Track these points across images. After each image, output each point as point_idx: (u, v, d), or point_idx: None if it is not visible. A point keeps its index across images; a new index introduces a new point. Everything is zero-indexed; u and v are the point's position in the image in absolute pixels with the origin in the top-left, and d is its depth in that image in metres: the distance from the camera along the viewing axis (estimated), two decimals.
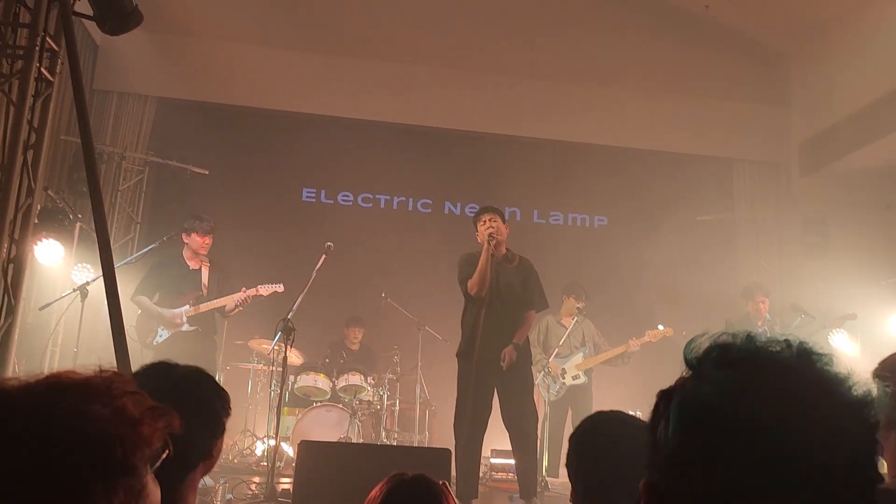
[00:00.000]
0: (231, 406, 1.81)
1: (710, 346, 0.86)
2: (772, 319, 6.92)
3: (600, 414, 2.07)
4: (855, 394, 0.80)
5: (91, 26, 7.20)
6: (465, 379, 5.23)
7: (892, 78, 7.28)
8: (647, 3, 8.13)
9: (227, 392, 1.81)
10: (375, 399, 7.20)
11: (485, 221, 5.47)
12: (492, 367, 5.15)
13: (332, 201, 8.87)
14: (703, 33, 7.67)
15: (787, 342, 0.83)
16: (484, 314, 5.21)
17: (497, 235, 5.38)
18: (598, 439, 1.97)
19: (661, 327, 7.08)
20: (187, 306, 6.18)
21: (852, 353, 6.55)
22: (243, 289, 6.33)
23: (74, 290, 5.56)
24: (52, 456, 0.84)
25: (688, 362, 0.87)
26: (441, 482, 2.08)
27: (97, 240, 3.40)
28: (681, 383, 0.86)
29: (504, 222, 5.54)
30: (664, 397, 0.87)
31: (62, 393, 0.90)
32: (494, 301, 5.27)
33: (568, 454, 2.00)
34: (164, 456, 0.97)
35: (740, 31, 7.69)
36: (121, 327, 3.22)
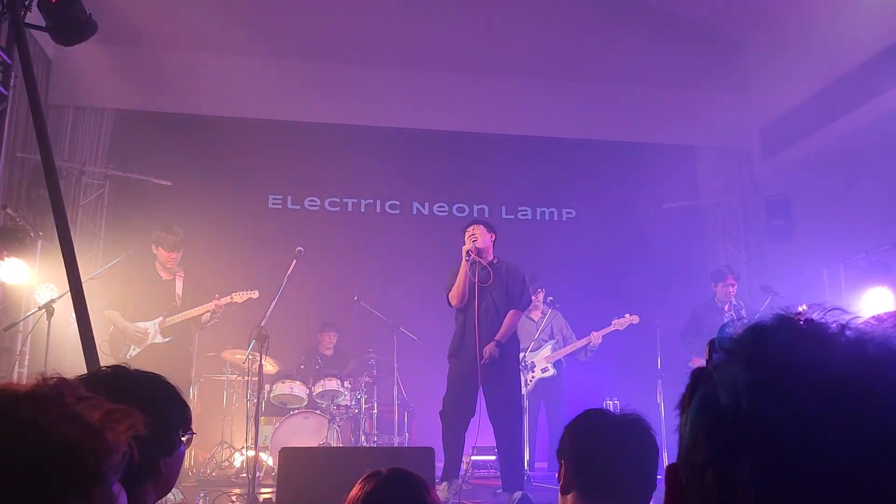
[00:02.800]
0: (191, 424, 1.68)
1: (743, 336, 0.75)
2: (738, 304, 7.00)
3: (600, 410, 2.10)
4: None
5: (43, 40, 7.05)
6: (453, 377, 5.54)
7: (847, 59, 7.42)
8: None
9: (188, 406, 1.68)
10: (353, 403, 7.15)
11: (468, 233, 5.65)
12: (477, 365, 5.38)
13: (298, 207, 8.80)
14: (660, 23, 7.74)
15: (842, 326, 0.72)
16: (471, 318, 5.47)
17: (478, 245, 5.54)
18: (598, 435, 1.98)
19: (627, 315, 7.14)
20: (159, 319, 6.10)
21: None
22: (217, 296, 6.26)
23: (40, 309, 5.44)
24: (19, 476, 0.79)
25: (721, 347, 0.77)
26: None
27: (63, 256, 3.32)
28: (710, 370, 0.77)
29: (490, 230, 5.68)
30: (693, 382, 0.79)
31: (13, 406, 0.84)
32: (481, 305, 5.48)
33: (562, 442, 2.00)
34: (128, 461, 0.92)
35: (696, 19, 7.78)
36: (92, 344, 3.14)
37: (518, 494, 5.24)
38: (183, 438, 1.63)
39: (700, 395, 0.76)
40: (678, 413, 0.80)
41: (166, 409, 1.59)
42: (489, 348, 5.38)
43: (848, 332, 0.71)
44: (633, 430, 1.97)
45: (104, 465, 0.85)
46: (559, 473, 2.02)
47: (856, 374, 0.68)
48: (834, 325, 0.72)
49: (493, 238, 5.69)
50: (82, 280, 3.27)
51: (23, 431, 0.81)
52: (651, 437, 1.96)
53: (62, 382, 0.91)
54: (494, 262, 5.66)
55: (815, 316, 0.74)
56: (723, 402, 0.72)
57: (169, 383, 1.67)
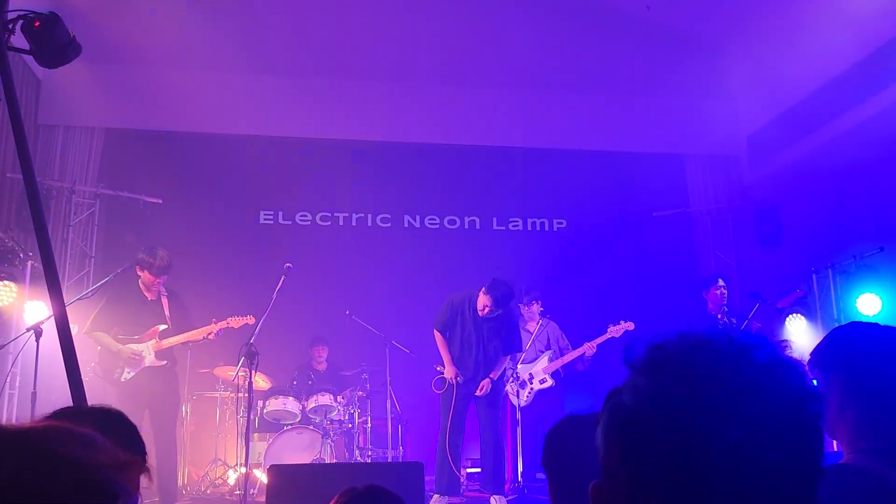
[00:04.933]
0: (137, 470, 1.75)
1: (646, 351, 0.84)
2: (730, 310, 7.02)
3: (574, 416, 2.09)
4: (800, 385, 0.78)
5: (33, 61, 7.07)
6: (446, 398, 6.28)
7: (832, 65, 7.47)
8: (590, 6, 8.23)
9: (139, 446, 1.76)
10: (346, 418, 7.15)
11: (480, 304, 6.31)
12: (470, 390, 6.29)
13: (290, 222, 8.81)
14: (646, 32, 7.78)
15: (728, 336, 0.82)
16: (472, 352, 6.32)
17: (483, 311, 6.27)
18: (574, 439, 1.98)
19: (622, 322, 7.16)
20: (153, 341, 6.04)
21: (809, 338, 6.66)
22: (214, 320, 6.23)
23: (28, 330, 5.43)
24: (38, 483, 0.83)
25: (626, 364, 0.86)
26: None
27: (46, 277, 3.32)
28: (619, 387, 0.86)
29: (486, 294, 6.24)
30: (606, 398, 0.88)
31: (39, 435, 0.89)
32: (482, 343, 6.32)
33: (543, 452, 2.02)
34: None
35: (680, 28, 7.81)
36: (75, 368, 3.14)
37: (497, 499, 5.66)
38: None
39: (610, 404, 0.86)
40: (597, 431, 0.88)
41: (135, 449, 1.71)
42: (485, 383, 6.24)
43: (734, 344, 0.81)
44: None
45: (114, 485, 0.89)
46: (548, 484, 2.03)
47: (741, 378, 0.77)
48: (724, 338, 0.82)
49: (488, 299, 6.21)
50: (70, 302, 3.28)
51: (35, 452, 0.86)
52: None
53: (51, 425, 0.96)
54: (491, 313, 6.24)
55: (707, 332, 0.83)
56: (628, 408, 0.81)
57: (131, 423, 1.78)
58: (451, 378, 6.27)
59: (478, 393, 6.23)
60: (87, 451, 0.89)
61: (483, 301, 6.19)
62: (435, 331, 6.43)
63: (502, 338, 6.37)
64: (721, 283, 7.11)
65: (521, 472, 6.57)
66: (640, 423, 0.78)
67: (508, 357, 6.54)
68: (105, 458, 0.90)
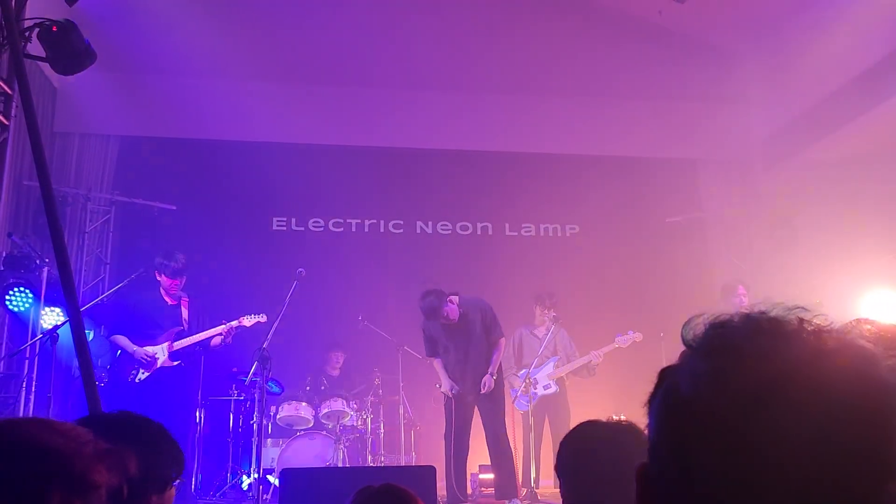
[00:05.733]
0: (182, 466, 1.78)
1: (706, 331, 0.76)
2: None
3: (591, 421, 2.08)
4: (876, 378, 0.69)
5: (49, 69, 7.15)
6: (447, 411, 6.35)
7: (846, 69, 7.43)
8: (602, 12, 8.24)
9: (179, 450, 1.78)
10: (359, 423, 7.14)
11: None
12: (469, 394, 6.30)
13: (302, 228, 8.84)
14: (659, 38, 7.78)
15: (800, 320, 0.73)
16: (459, 357, 6.36)
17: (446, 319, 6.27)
18: (590, 444, 1.98)
19: (630, 332, 7.11)
20: (167, 343, 6.13)
21: None
22: (224, 321, 6.29)
23: (44, 335, 5.49)
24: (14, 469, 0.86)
25: (685, 343, 0.78)
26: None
27: (61, 283, 3.35)
28: (674, 367, 0.79)
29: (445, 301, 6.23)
30: (659, 380, 0.80)
31: (16, 426, 0.92)
32: (465, 346, 6.34)
33: (559, 457, 2.00)
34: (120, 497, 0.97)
35: (693, 33, 7.81)
36: (90, 372, 3.17)
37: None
38: (176, 480, 1.74)
39: (663, 387, 0.78)
40: (646, 411, 0.81)
41: (159, 451, 1.71)
42: (487, 380, 6.23)
43: (807, 327, 0.72)
44: (626, 437, 1.97)
45: (94, 472, 0.89)
46: (561, 490, 2.02)
47: (812, 366, 0.69)
48: (794, 321, 0.73)
49: (451, 302, 6.23)
50: (86, 306, 3.31)
51: (25, 439, 0.89)
52: (647, 442, 1.95)
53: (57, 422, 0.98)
54: (462, 314, 6.29)
55: (776, 313, 0.74)
56: (683, 392, 0.73)
57: (163, 428, 1.79)
58: (447, 392, 6.33)
59: (483, 391, 6.24)
60: (64, 441, 0.90)
61: (444, 312, 6.23)
62: (430, 358, 6.58)
63: (483, 333, 6.35)
64: (741, 289, 7.06)
65: (533, 479, 6.54)
66: (695, 411, 0.71)
67: (504, 343, 6.56)
68: (84, 448, 0.91)
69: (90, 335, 6.40)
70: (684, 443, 0.72)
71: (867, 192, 7.14)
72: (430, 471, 4.52)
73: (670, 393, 0.76)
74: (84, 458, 0.90)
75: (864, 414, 0.67)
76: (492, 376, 6.25)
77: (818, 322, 0.73)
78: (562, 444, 2.04)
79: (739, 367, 0.70)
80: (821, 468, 0.66)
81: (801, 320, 0.73)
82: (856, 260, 6.84)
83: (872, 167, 6.98)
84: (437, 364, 6.47)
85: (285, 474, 4.50)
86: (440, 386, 6.46)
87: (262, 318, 6.37)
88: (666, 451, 0.75)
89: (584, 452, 1.98)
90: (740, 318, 0.75)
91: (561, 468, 2.02)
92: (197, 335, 6.19)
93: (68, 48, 4.35)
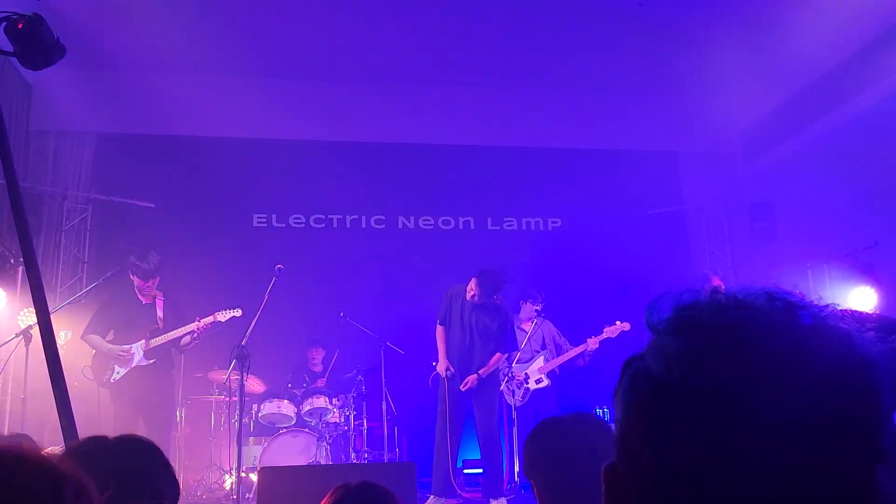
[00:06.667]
0: (170, 490, 1.72)
1: (672, 311, 0.72)
2: None
3: (549, 418, 2.06)
4: (855, 351, 0.66)
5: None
6: (440, 395, 6.25)
7: (824, 59, 7.45)
8: (581, 4, 8.21)
9: (165, 475, 1.73)
10: (342, 420, 7.11)
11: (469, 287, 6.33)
12: (459, 382, 6.23)
13: (283, 225, 8.78)
14: (637, 29, 7.76)
15: (769, 294, 0.70)
16: (460, 344, 6.30)
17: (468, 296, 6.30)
18: (551, 444, 1.96)
19: (618, 322, 7.13)
20: (142, 341, 6.07)
21: None
22: (197, 318, 6.23)
23: (17, 335, 5.41)
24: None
25: (649, 326, 0.74)
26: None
27: (29, 283, 3.29)
28: (640, 353, 0.74)
29: (476, 279, 6.28)
30: (624, 367, 0.76)
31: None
32: (470, 334, 6.29)
33: (524, 460, 1.98)
34: None
35: (672, 23, 7.79)
36: (60, 374, 3.10)
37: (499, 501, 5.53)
38: None
39: (630, 372, 0.73)
40: (614, 404, 0.76)
41: (138, 481, 1.64)
42: (471, 379, 6.19)
43: (777, 302, 0.69)
44: (589, 429, 1.95)
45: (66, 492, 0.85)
46: (533, 491, 1.99)
47: (786, 338, 0.66)
48: (763, 297, 0.70)
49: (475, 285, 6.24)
50: (62, 304, 3.25)
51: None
52: (611, 432, 1.93)
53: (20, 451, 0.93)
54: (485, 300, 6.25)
55: (744, 292, 0.71)
56: (654, 374, 0.69)
57: (146, 452, 1.73)
58: (441, 372, 6.27)
59: (462, 388, 6.20)
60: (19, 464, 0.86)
61: (472, 286, 6.23)
62: (437, 325, 6.49)
63: (494, 335, 6.32)
64: (716, 280, 7.08)
65: (518, 473, 6.54)
66: (671, 391, 0.66)
67: (504, 356, 6.50)
68: (43, 469, 0.88)
69: (68, 335, 6.33)
70: (658, 428, 0.67)
71: (847, 183, 7.16)
72: (410, 467, 4.50)
73: (639, 376, 0.72)
74: (57, 479, 0.86)
75: (852, 389, 0.64)
76: (479, 377, 6.23)
77: (789, 299, 0.70)
78: (525, 445, 2.01)
79: (716, 343, 0.66)
80: (812, 446, 0.62)
81: (771, 296, 0.70)
82: (836, 252, 6.86)
83: (852, 158, 7.00)
84: (439, 335, 6.43)
85: (264, 473, 4.47)
86: (436, 364, 6.41)
87: (238, 313, 6.30)
88: (637, 443, 0.69)
89: (548, 450, 1.96)
90: (707, 296, 0.72)
91: (527, 470, 1.99)
92: (172, 332, 6.13)
93: (37, 43, 4.25)
